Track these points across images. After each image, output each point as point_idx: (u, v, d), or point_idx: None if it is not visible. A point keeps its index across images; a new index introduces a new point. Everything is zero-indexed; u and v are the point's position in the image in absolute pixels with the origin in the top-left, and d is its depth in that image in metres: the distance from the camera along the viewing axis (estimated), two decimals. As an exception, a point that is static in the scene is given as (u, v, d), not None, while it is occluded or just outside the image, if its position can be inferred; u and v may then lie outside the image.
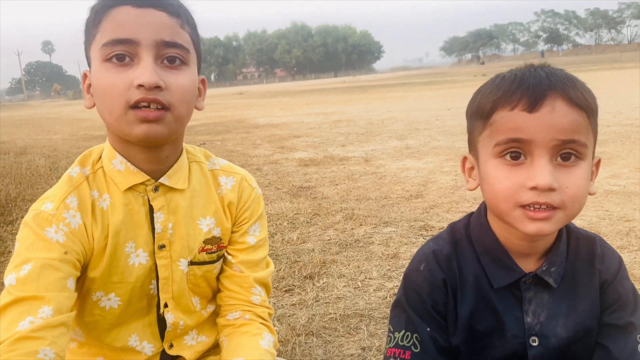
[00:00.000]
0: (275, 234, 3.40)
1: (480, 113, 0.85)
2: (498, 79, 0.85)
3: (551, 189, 0.77)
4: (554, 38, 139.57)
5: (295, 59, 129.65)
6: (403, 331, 0.94)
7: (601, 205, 3.57)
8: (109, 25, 0.91)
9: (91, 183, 1.01)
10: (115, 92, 0.91)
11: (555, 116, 0.77)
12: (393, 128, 9.04)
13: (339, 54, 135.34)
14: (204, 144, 8.10)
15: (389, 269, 2.68)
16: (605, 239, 0.97)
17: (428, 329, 0.92)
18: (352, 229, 3.41)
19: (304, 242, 3.21)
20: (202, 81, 1.06)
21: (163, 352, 1.12)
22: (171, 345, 1.12)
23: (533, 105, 0.78)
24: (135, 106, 0.90)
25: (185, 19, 0.97)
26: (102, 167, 1.03)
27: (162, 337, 1.11)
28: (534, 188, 0.78)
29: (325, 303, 2.33)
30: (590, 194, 0.84)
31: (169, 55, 0.93)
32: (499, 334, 0.91)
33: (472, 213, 0.98)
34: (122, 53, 0.91)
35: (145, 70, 0.89)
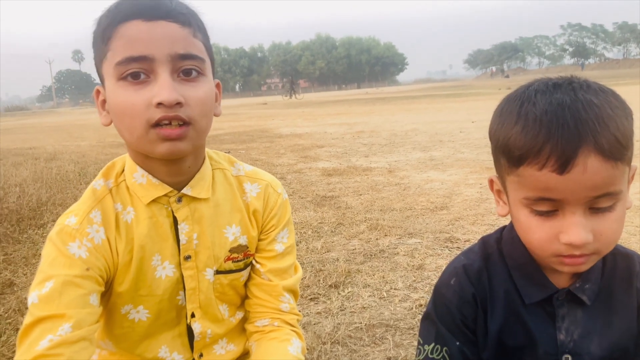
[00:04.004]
0: (300, 242, 3.40)
1: (505, 155, 0.80)
2: (522, 115, 0.77)
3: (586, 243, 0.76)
4: (581, 52, 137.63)
5: (319, 70, 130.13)
6: (433, 344, 0.93)
7: (631, 221, 3.49)
8: (120, 43, 0.89)
9: (114, 196, 1.01)
10: (135, 112, 0.89)
11: (588, 176, 0.72)
12: (417, 139, 8.99)
13: (362, 66, 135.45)
14: (229, 152, 8.14)
15: (415, 280, 2.67)
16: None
17: (457, 343, 0.91)
18: (376, 239, 3.40)
19: (328, 251, 3.21)
20: (217, 85, 1.04)
21: None
22: (201, 355, 1.12)
23: (564, 167, 0.72)
24: (157, 124, 0.89)
25: (197, 26, 0.94)
26: (125, 180, 1.02)
27: (192, 347, 1.11)
28: (568, 244, 0.76)
29: (351, 312, 2.32)
30: (626, 208, 0.81)
31: (185, 68, 0.91)
32: (531, 350, 0.89)
33: (504, 227, 0.96)
34: (138, 71, 0.89)
35: (163, 88, 0.88)
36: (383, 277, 2.71)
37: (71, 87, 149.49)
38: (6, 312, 2.43)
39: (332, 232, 3.63)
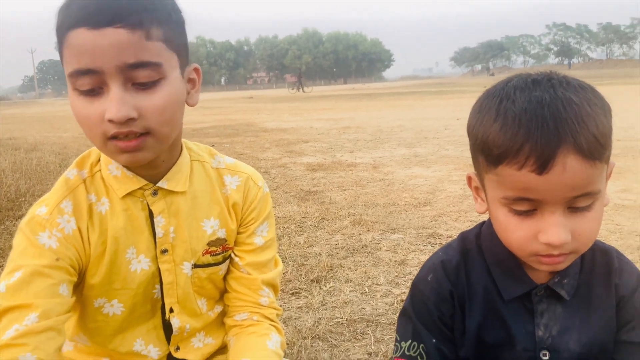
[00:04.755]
0: (283, 236, 3.38)
1: (483, 153, 0.79)
2: (501, 113, 0.75)
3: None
4: (565, 51, 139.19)
5: (306, 64, 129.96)
6: (410, 341, 0.92)
7: (612, 219, 3.54)
8: (69, 52, 0.84)
9: (88, 186, 0.99)
10: (90, 124, 0.87)
11: (567, 176, 0.71)
12: (402, 136, 9.02)
13: (349, 61, 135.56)
14: (213, 145, 8.10)
15: (397, 275, 2.67)
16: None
17: (434, 340, 0.91)
18: (359, 234, 3.40)
19: (311, 246, 3.20)
20: (195, 70, 0.99)
21: (169, 356, 1.10)
22: (178, 348, 1.11)
23: (543, 167, 0.71)
24: (113, 137, 0.86)
25: (152, 22, 0.85)
26: (100, 170, 1.00)
27: (168, 340, 1.09)
28: (547, 244, 0.76)
29: (332, 307, 2.31)
30: (604, 205, 0.80)
31: (138, 75, 0.85)
32: (509, 347, 0.88)
33: (484, 222, 0.95)
34: (87, 82, 0.84)
35: (112, 104, 0.83)
36: (365, 272, 2.71)
37: (54, 78, 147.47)
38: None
39: (315, 226, 3.62)
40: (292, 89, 43.67)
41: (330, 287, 2.53)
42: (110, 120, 0.84)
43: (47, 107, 35.87)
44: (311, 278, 2.63)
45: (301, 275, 2.68)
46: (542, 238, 0.76)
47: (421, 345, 0.91)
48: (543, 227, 0.76)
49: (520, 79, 0.79)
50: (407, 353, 0.92)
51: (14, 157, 7.04)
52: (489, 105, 0.79)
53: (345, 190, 4.81)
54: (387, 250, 3.06)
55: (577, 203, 0.75)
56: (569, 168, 0.71)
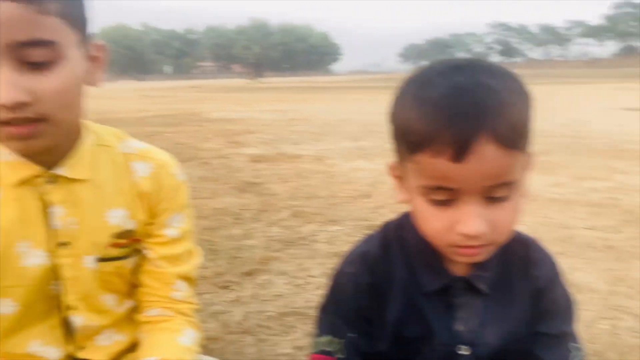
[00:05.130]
0: (218, 228, 3.31)
1: (402, 140, 0.77)
2: (420, 99, 0.73)
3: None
4: (507, 51, 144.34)
5: (254, 55, 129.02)
6: (326, 336, 0.89)
7: (542, 212, 3.65)
8: None
9: None
10: None
11: (484, 164, 0.69)
12: (348, 129, 9.07)
13: (298, 54, 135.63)
14: (152, 135, 7.90)
15: (332, 268, 2.63)
16: (544, 245, 0.93)
17: (352, 335, 0.88)
18: (298, 226, 3.37)
19: (247, 238, 3.14)
20: (98, 48, 0.90)
21: (71, 356, 1.02)
22: (81, 348, 1.03)
23: (459, 156, 0.69)
24: (4, 122, 0.78)
25: None
26: None
27: (70, 339, 1.01)
28: (464, 234, 0.74)
29: (263, 300, 2.27)
30: (523, 197, 0.79)
31: (32, 54, 0.77)
32: (428, 341, 0.86)
33: (406, 212, 0.93)
34: None
35: (1, 87, 0.75)
36: (300, 265, 2.69)
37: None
38: None
39: (252, 218, 3.56)
40: (250, 79, 43.59)
41: (263, 280, 2.49)
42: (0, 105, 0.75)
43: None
44: (244, 271, 2.58)
45: (234, 268, 2.63)
46: (459, 229, 0.74)
47: (338, 340, 0.88)
48: (460, 217, 0.74)
49: (443, 64, 0.76)
50: (324, 349, 0.89)
51: None
52: (409, 91, 0.77)
53: (287, 182, 4.77)
54: (324, 242, 3.05)
55: (494, 193, 0.73)
56: (486, 157, 0.69)
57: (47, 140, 0.82)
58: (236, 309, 2.19)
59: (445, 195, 0.74)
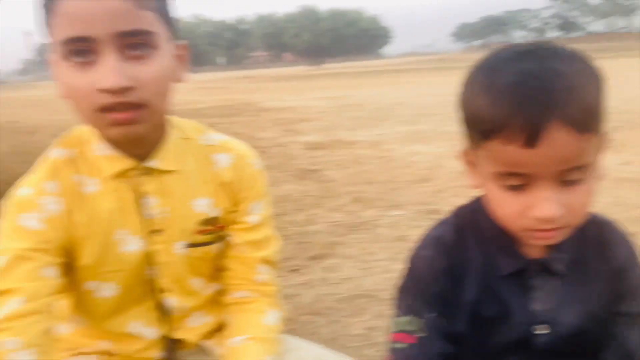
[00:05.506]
0: (282, 215, 3.38)
1: (473, 127, 0.78)
2: (489, 86, 0.74)
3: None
4: (566, 25, 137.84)
5: (305, 43, 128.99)
6: (406, 316, 0.91)
7: (614, 192, 3.53)
8: (60, 20, 0.82)
9: (74, 166, 0.96)
10: (81, 96, 0.84)
11: (557, 149, 0.69)
12: (402, 113, 8.98)
13: (348, 39, 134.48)
14: (212, 126, 8.08)
15: (397, 252, 2.67)
16: (619, 225, 0.93)
17: (431, 315, 0.90)
18: (359, 211, 3.40)
19: (310, 224, 3.21)
20: (182, 47, 0.97)
21: (166, 336, 1.09)
22: (174, 329, 1.10)
23: (531, 142, 0.69)
24: (107, 108, 0.83)
25: None
26: (88, 150, 0.97)
27: (164, 320, 1.08)
28: (539, 218, 0.74)
29: (332, 283, 2.32)
30: (597, 179, 0.78)
31: (133, 44, 0.83)
32: (505, 320, 0.87)
33: (479, 197, 0.94)
34: (81, 49, 0.82)
35: (107, 72, 0.81)
36: (365, 249, 2.72)
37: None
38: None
39: (314, 204, 3.62)
40: (310, 66, 43.75)
41: (330, 264, 2.54)
42: (104, 90, 0.81)
43: (45, 90, 35.74)
44: (311, 255, 2.64)
45: (301, 252, 2.70)
46: (533, 213, 0.74)
47: (418, 319, 0.91)
48: (534, 202, 0.74)
49: (510, 50, 0.77)
50: (406, 328, 0.91)
51: (14, 141, 7.04)
52: (478, 78, 0.78)
53: (344, 168, 4.80)
54: (387, 227, 3.07)
55: (568, 176, 0.73)
56: (558, 141, 0.69)
57: (145, 126, 0.88)
58: (306, 291, 2.25)
59: (518, 181, 0.75)
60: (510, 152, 0.72)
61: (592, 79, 0.73)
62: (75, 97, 0.86)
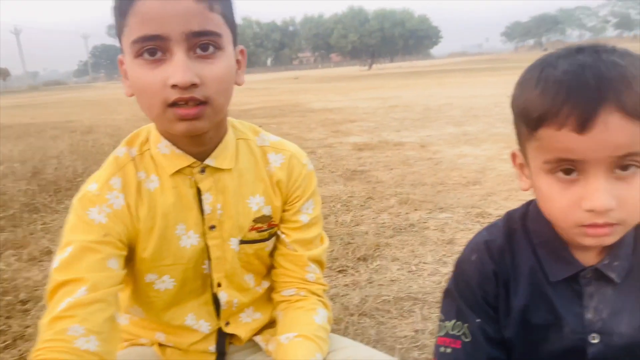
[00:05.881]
0: (330, 215, 3.40)
1: (524, 120, 0.77)
2: (542, 79, 0.74)
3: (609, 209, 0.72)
4: (625, 24, 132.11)
5: (352, 43, 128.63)
6: (453, 321, 0.91)
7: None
8: (135, 20, 0.87)
9: (138, 164, 1.02)
10: (151, 92, 0.88)
11: (610, 134, 0.68)
12: (450, 114, 8.84)
13: (396, 39, 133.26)
14: (260, 127, 8.19)
15: (444, 255, 2.64)
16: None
17: (478, 320, 0.89)
18: (406, 213, 3.38)
19: (357, 225, 3.21)
20: (241, 52, 1.01)
21: (220, 330, 1.13)
22: (227, 323, 1.13)
23: (583, 126, 0.68)
24: (174, 104, 0.88)
25: None
26: (150, 149, 1.03)
27: (218, 315, 1.12)
28: (590, 210, 0.73)
29: (379, 285, 2.32)
30: None
31: (202, 44, 0.88)
32: (556, 328, 0.86)
33: (530, 201, 0.92)
34: (153, 47, 0.87)
35: (178, 69, 0.86)
36: (412, 251, 2.70)
37: (106, 62, 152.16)
38: (45, 278, 2.51)
39: (361, 206, 3.62)
40: (364, 67, 43.90)
41: (377, 265, 2.54)
42: (174, 86, 0.86)
43: (100, 90, 37.07)
44: (358, 256, 2.65)
45: (348, 253, 2.70)
46: (585, 204, 0.73)
47: (465, 324, 0.90)
48: (586, 193, 0.73)
49: (564, 49, 0.77)
50: (451, 332, 0.91)
51: (71, 139, 7.35)
52: (531, 74, 0.78)
53: (392, 169, 4.78)
54: (434, 230, 3.04)
55: (622, 162, 0.71)
56: (611, 126, 0.68)
57: (207, 123, 0.92)
58: (353, 292, 2.25)
59: (569, 166, 0.73)
60: (562, 137, 0.71)
61: None
62: (145, 93, 0.90)
